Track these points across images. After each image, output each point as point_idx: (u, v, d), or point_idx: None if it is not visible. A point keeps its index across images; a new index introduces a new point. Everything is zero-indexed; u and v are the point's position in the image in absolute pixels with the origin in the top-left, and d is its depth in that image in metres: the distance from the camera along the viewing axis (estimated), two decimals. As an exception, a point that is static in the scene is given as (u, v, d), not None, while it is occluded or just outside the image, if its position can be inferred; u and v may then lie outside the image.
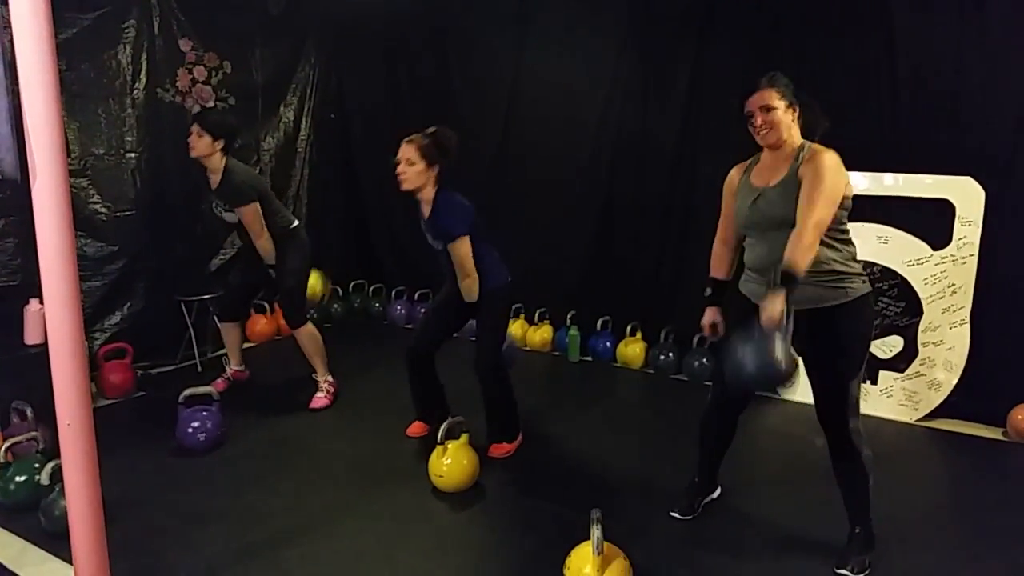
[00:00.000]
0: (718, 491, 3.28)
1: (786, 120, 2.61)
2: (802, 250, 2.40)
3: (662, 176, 5.12)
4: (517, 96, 5.66)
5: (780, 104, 2.59)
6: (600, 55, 5.25)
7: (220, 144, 4.06)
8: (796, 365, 2.45)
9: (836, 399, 2.67)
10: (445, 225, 3.52)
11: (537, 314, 5.72)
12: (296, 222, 4.42)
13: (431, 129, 3.54)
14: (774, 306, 2.36)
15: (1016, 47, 3.89)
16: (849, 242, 2.66)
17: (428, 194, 3.57)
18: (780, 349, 2.36)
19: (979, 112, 4.02)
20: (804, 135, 2.69)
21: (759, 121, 2.62)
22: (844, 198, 2.56)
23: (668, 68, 5.00)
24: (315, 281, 4.58)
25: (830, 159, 2.51)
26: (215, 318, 5.25)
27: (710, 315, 3.08)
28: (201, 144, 4.02)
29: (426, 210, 3.62)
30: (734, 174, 2.91)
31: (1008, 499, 3.39)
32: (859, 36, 4.30)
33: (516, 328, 5.64)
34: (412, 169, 3.48)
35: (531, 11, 5.51)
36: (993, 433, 4.13)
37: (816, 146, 2.62)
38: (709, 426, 3.12)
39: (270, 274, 4.36)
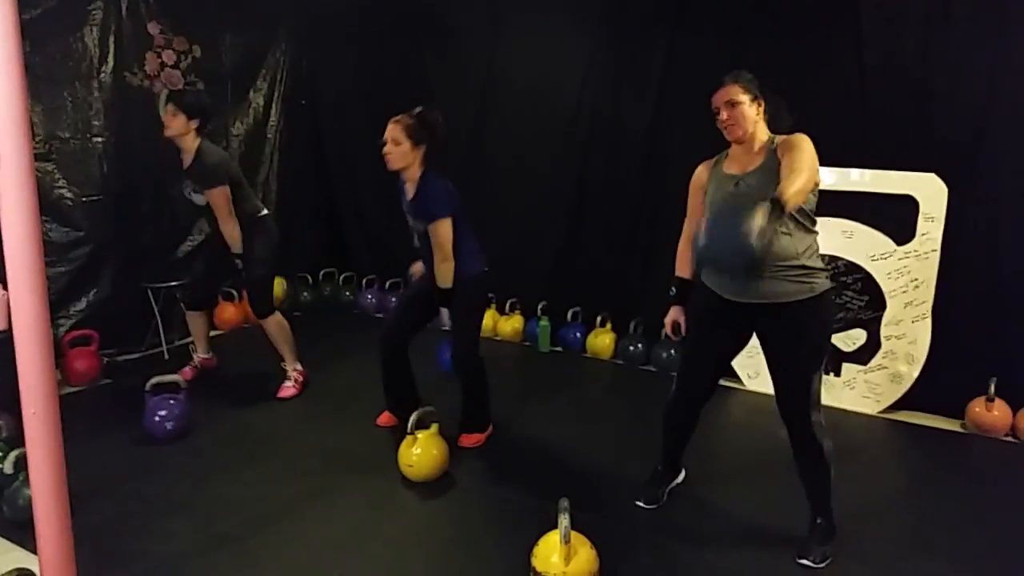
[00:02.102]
0: (682, 475, 3.33)
1: (751, 114, 2.67)
2: (795, 190, 2.34)
3: (634, 167, 5.16)
4: (490, 84, 5.66)
5: (745, 99, 2.66)
6: (574, 45, 5.27)
7: (195, 124, 4.04)
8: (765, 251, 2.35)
9: (798, 393, 2.71)
10: (428, 206, 3.48)
11: (508, 304, 5.74)
12: (265, 211, 4.37)
13: (417, 109, 3.50)
14: (756, 219, 2.27)
15: (981, 46, 3.97)
16: (815, 235, 2.70)
17: (414, 174, 3.54)
18: (758, 231, 2.28)
19: (944, 110, 4.10)
20: (770, 130, 2.73)
21: (724, 116, 2.68)
22: (816, 183, 2.59)
23: (641, 59, 5.03)
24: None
25: (804, 136, 2.58)
26: (182, 306, 5.20)
27: (674, 314, 3.10)
28: (176, 123, 4.00)
29: (410, 191, 3.58)
30: (702, 170, 2.94)
31: (964, 490, 3.47)
32: (828, 32, 4.35)
33: (487, 318, 5.64)
34: (398, 149, 3.46)
35: (505, -2, 5.51)
36: (952, 425, 4.23)
37: (785, 136, 2.67)
38: (672, 417, 3.15)
39: (236, 263, 4.31)
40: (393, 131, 3.46)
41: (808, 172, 2.44)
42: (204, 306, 4.66)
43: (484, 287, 3.78)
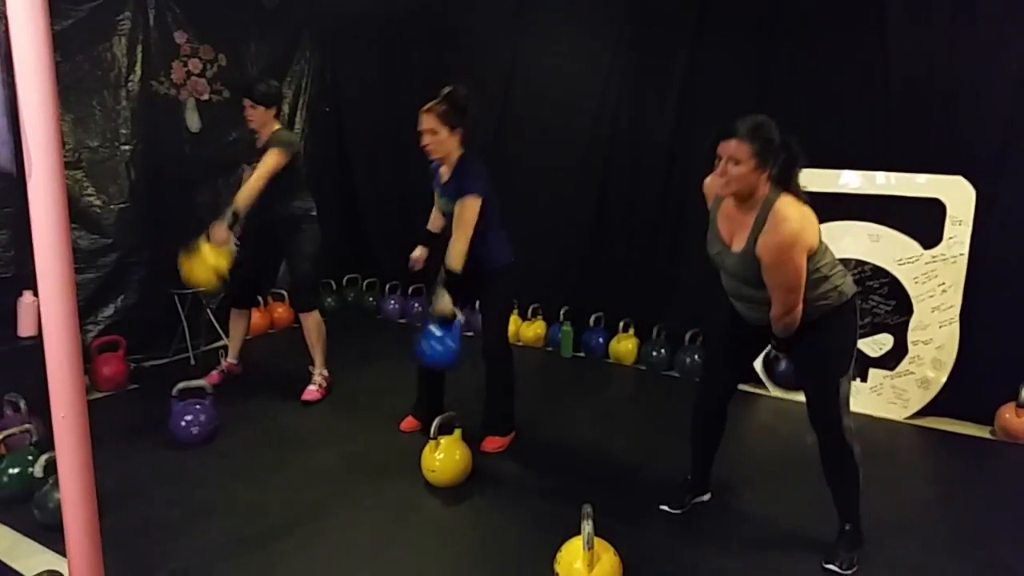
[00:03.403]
0: (708, 495, 3.29)
1: (750, 179, 2.50)
2: (782, 326, 2.65)
3: (656, 172, 5.14)
4: (513, 91, 5.67)
5: (749, 163, 2.47)
6: (596, 51, 5.26)
7: (274, 111, 4.26)
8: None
9: (827, 399, 2.70)
10: (463, 183, 3.44)
11: (530, 309, 5.74)
12: (315, 210, 4.46)
13: (444, 91, 3.47)
14: None
15: (1008, 48, 3.92)
16: (823, 248, 2.62)
17: (452, 157, 3.54)
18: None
19: (971, 112, 4.05)
20: (782, 175, 2.57)
21: (721, 169, 2.54)
22: (810, 250, 2.52)
23: (663, 65, 5.01)
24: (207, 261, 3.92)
25: (789, 231, 2.44)
26: (208, 312, 5.25)
27: None
28: (257, 115, 4.19)
29: (446, 173, 3.57)
30: (710, 183, 2.79)
31: (994, 497, 3.42)
32: (853, 36, 4.31)
33: (510, 324, 5.63)
34: (436, 138, 3.45)
35: (528, 5, 5.52)
36: (981, 431, 4.16)
37: (780, 205, 2.50)
38: (700, 417, 3.13)
39: (271, 261, 4.43)
40: (428, 121, 3.44)
41: (788, 292, 2.54)
42: (249, 305, 4.72)
43: (513, 278, 3.75)
